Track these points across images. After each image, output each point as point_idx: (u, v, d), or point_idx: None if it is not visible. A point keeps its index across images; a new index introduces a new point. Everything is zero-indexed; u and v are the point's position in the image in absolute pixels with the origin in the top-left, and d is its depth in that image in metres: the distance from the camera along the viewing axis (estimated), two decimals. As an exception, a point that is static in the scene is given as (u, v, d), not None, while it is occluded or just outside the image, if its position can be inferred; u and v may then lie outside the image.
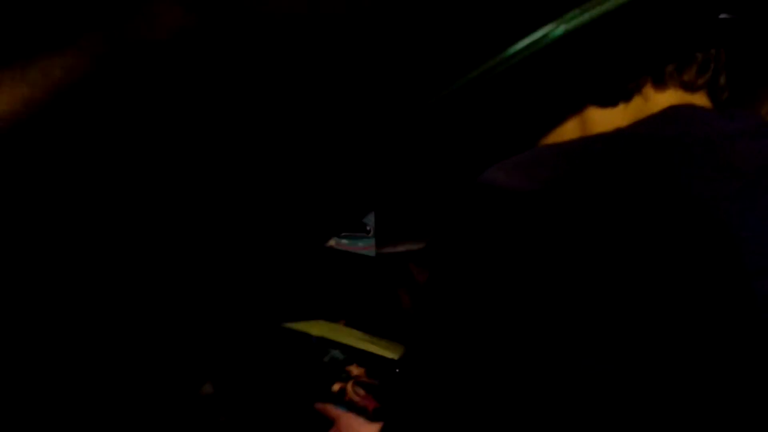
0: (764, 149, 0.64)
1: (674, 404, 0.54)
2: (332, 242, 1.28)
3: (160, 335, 0.91)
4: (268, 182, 0.93)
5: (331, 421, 0.91)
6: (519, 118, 0.71)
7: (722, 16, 0.68)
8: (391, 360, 0.97)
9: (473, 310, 0.56)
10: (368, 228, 1.31)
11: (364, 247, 1.30)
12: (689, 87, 0.68)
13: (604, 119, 0.68)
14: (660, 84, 0.67)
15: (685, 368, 0.54)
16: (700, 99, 0.68)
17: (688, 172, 0.59)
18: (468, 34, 0.69)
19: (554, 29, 0.61)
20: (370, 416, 0.91)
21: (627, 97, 0.68)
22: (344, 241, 1.29)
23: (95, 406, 0.87)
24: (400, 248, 1.31)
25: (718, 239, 0.57)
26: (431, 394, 0.58)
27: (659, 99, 0.67)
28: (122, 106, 0.73)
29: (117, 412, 0.88)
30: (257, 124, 0.87)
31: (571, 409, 0.54)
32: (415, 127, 0.77)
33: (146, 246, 0.88)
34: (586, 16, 0.61)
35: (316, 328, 1.00)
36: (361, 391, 0.92)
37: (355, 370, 0.94)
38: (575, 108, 0.69)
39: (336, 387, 0.90)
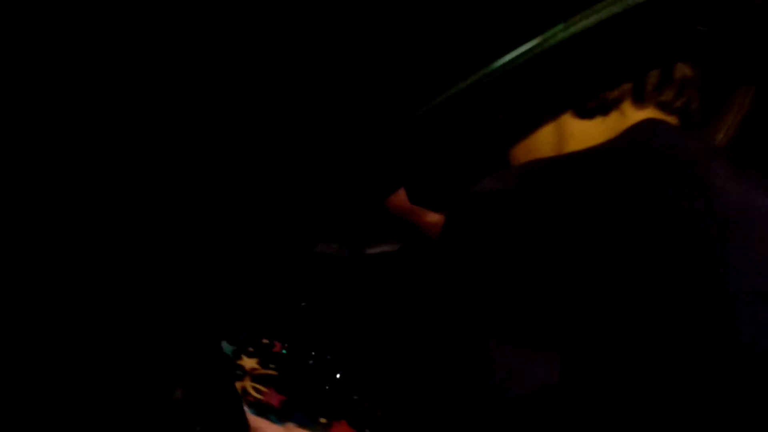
0: (738, 171, 0.66)
1: (649, 410, 0.54)
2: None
3: (134, 340, 0.94)
4: (251, 187, 0.96)
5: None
6: (498, 128, 0.75)
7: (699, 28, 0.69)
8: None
9: (472, 306, 0.58)
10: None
11: (338, 248, 1.28)
12: (666, 108, 0.69)
13: (581, 131, 0.70)
14: (639, 102, 0.69)
15: (658, 381, 0.55)
16: (673, 122, 0.70)
17: (669, 188, 0.61)
18: (453, 47, 0.72)
19: (539, 43, 0.63)
20: (278, 412, 0.90)
21: (605, 112, 0.69)
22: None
23: (75, 410, 0.91)
24: (375, 250, 1.30)
25: (698, 257, 0.58)
26: (426, 390, 0.61)
27: (636, 117, 0.69)
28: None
29: (91, 417, 0.91)
30: (233, 131, 0.90)
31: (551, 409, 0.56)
32: (398, 136, 0.81)
33: (122, 248, 0.92)
34: (567, 32, 0.62)
35: None
36: (262, 387, 0.91)
37: (247, 363, 0.92)
38: (553, 118, 0.71)
39: (236, 387, 0.89)
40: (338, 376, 0.97)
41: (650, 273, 0.55)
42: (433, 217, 1.11)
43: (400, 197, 1.20)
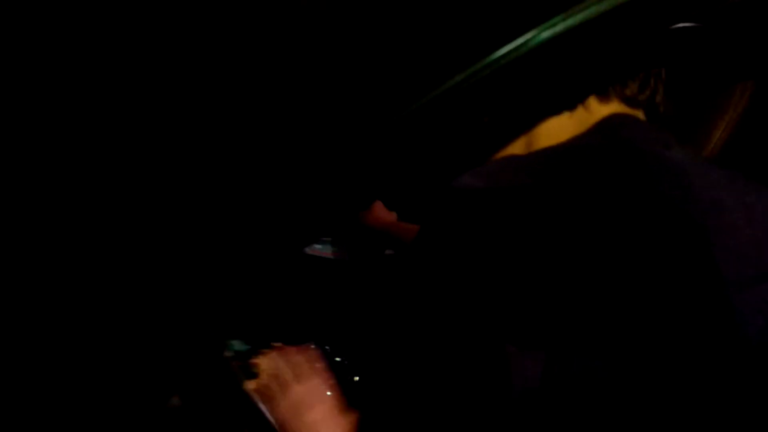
0: (702, 162, 0.66)
1: (650, 405, 0.54)
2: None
3: (129, 345, 0.94)
4: (244, 189, 0.95)
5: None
6: (483, 130, 0.75)
7: (680, 25, 0.69)
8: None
9: (448, 304, 0.58)
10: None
11: (337, 251, 1.30)
12: (631, 102, 0.70)
13: (549, 127, 0.70)
14: (603, 96, 0.69)
15: (658, 372, 0.54)
16: (638, 115, 0.70)
17: (645, 178, 0.61)
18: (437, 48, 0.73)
19: (532, 38, 0.64)
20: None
21: (571, 107, 0.70)
22: (317, 245, 1.30)
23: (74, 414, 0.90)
24: (375, 253, 1.31)
25: (685, 245, 0.58)
26: (408, 394, 0.60)
27: (602, 111, 0.69)
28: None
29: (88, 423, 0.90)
30: (229, 132, 0.90)
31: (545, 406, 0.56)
32: (387, 135, 0.81)
33: (118, 251, 0.91)
34: (560, 27, 0.63)
35: None
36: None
37: (262, 362, 0.93)
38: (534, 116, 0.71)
39: (252, 385, 0.89)
40: (349, 378, 0.97)
41: (639, 262, 0.55)
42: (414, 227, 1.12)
43: (378, 213, 1.21)
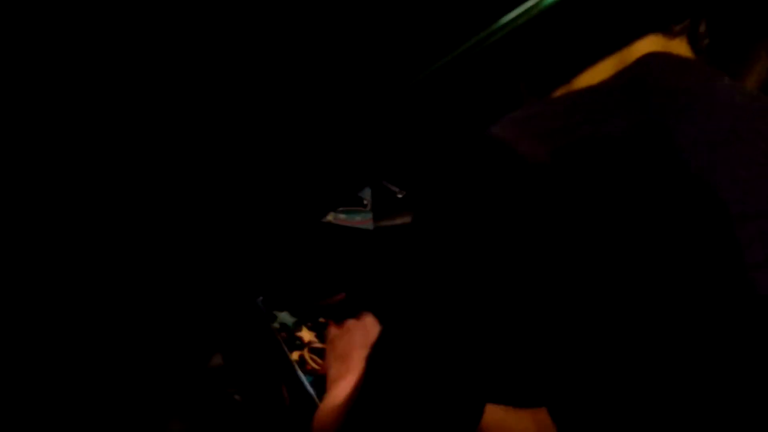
0: (722, 91, 0.65)
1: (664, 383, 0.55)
2: (330, 217, 1.28)
3: (165, 311, 0.94)
4: (264, 161, 0.95)
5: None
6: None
7: None
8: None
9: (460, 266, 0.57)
10: (365, 202, 1.31)
11: (362, 220, 1.30)
12: (668, 33, 0.68)
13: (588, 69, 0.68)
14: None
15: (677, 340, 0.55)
16: (678, 46, 0.69)
17: (660, 119, 0.60)
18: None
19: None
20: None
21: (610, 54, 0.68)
22: (342, 215, 1.29)
23: (103, 384, 0.91)
24: (398, 221, 1.31)
25: (688, 188, 0.58)
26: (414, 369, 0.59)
27: (640, 45, 0.68)
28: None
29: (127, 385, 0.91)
30: (251, 102, 0.90)
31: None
32: (406, 102, 0.81)
33: (142, 219, 0.91)
34: None
35: None
36: (318, 359, 0.93)
37: (306, 335, 0.94)
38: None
39: (295, 356, 0.91)
40: None
41: (644, 204, 0.56)
42: None
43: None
